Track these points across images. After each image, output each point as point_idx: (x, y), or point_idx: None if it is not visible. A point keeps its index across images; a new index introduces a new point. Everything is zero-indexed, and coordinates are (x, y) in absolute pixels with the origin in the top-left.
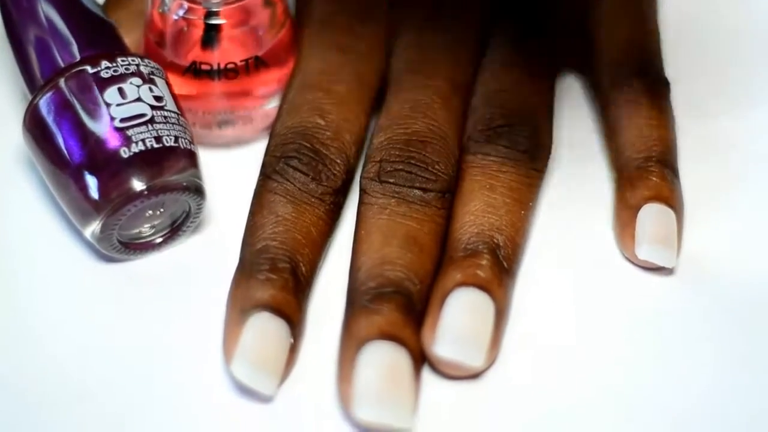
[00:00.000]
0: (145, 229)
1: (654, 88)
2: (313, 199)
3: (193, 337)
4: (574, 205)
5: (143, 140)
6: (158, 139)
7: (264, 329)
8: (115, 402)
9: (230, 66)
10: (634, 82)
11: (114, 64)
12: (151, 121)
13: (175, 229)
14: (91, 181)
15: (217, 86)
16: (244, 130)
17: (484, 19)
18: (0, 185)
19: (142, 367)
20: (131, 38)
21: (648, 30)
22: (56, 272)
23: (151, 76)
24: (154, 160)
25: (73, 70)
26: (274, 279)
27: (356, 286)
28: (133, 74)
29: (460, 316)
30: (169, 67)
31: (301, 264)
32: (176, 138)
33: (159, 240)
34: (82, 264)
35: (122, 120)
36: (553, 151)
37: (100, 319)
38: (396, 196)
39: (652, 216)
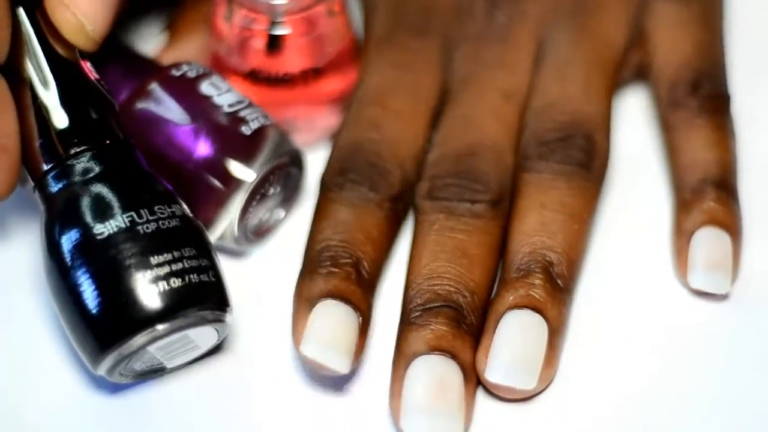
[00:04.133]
0: (263, 214)
1: (711, 104)
2: (371, 206)
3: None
4: (635, 221)
5: (256, 118)
6: (265, 117)
7: (330, 313)
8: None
9: (287, 75)
10: (688, 100)
11: (188, 67)
12: (251, 105)
13: (286, 203)
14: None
15: (276, 94)
16: (307, 136)
17: (539, 26)
18: None
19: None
20: (194, 45)
21: (709, 37)
22: None
23: (215, 74)
24: (269, 135)
25: (163, 74)
26: (336, 272)
27: (406, 303)
28: (208, 73)
29: (510, 340)
30: (231, 73)
31: (364, 260)
32: (268, 116)
33: (282, 215)
34: None
35: (230, 105)
36: (611, 160)
37: None
38: (445, 210)
39: (705, 241)
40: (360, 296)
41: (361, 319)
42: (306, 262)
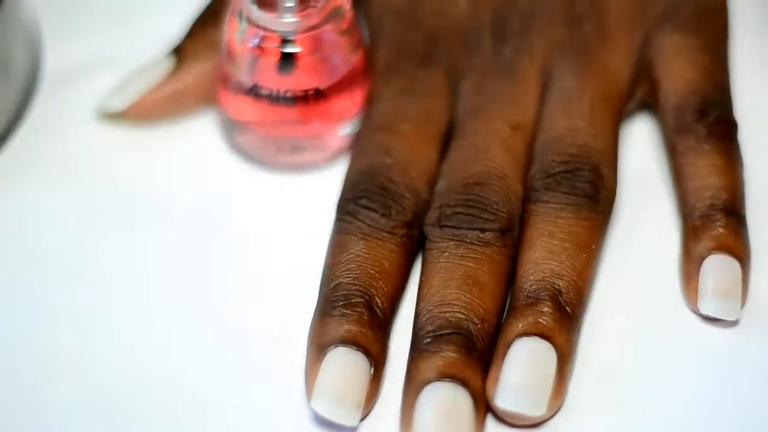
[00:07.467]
0: None
1: (719, 130)
2: (383, 234)
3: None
4: (641, 247)
5: None
6: None
7: (341, 363)
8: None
9: (292, 94)
10: (696, 126)
11: None
12: None
13: None
14: None
15: (284, 112)
16: (316, 156)
17: (545, 60)
18: None
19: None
20: (203, 68)
21: (714, 66)
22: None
23: None
24: None
25: None
26: (348, 314)
27: (416, 331)
28: None
29: (520, 367)
30: (236, 91)
31: (376, 297)
32: None
33: None
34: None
35: None
36: (618, 191)
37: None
38: (454, 238)
39: (715, 268)
40: (372, 339)
41: (372, 365)
42: (319, 301)
